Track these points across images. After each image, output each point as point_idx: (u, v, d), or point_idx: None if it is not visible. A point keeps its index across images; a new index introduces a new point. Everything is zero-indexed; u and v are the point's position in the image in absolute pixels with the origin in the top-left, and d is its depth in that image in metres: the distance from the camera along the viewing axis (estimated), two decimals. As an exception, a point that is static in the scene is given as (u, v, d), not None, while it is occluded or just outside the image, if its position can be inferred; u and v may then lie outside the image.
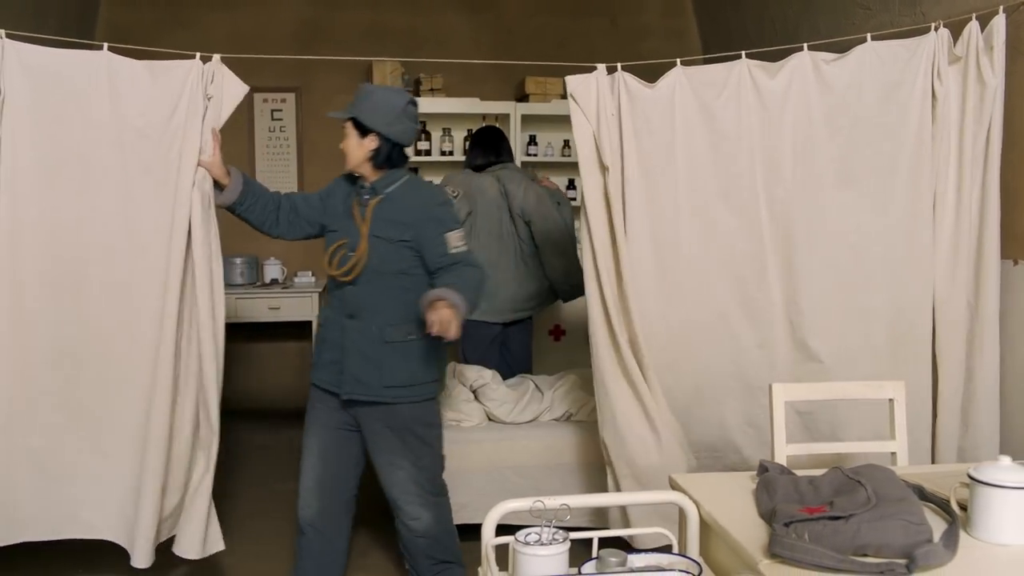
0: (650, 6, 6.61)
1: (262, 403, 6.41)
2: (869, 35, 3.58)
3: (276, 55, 6.04)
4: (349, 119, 3.14)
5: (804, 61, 3.49)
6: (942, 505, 1.99)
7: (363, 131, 3.12)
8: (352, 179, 3.29)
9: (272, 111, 6.29)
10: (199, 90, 3.17)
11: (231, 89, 3.28)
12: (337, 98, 6.16)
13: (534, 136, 6.23)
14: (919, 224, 3.52)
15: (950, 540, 1.78)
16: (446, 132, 6.16)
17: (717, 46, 6.30)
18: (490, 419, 4.13)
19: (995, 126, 3.45)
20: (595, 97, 3.39)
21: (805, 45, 3.52)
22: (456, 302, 2.85)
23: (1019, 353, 3.51)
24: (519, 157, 6.13)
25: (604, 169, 3.38)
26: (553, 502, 1.94)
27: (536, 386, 4.24)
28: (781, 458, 2.77)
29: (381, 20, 6.24)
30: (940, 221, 3.54)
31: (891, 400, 2.91)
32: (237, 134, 6.23)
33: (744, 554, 1.80)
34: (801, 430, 3.43)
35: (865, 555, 1.72)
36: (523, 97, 6.21)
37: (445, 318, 2.82)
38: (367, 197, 3.17)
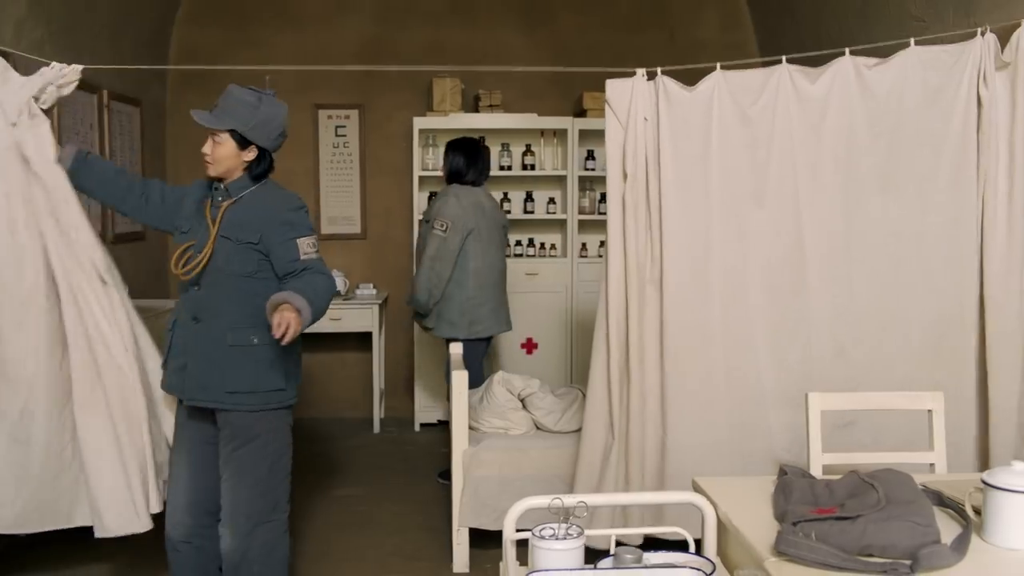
0: (708, 20, 6.64)
1: (324, 412, 6.57)
2: (912, 40, 3.56)
3: (341, 73, 6.28)
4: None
5: (845, 66, 3.49)
6: (959, 510, 2.01)
7: (243, 143, 3.05)
8: (210, 182, 3.18)
9: (336, 127, 6.47)
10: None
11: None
12: (398, 114, 6.36)
13: (592, 151, 6.30)
14: (961, 231, 3.49)
15: (960, 543, 1.79)
16: (504, 147, 6.28)
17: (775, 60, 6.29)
18: (537, 427, 4.20)
19: None
20: (628, 102, 3.45)
21: (847, 50, 3.53)
22: (300, 306, 2.77)
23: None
24: (576, 171, 6.23)
25: (624, 176, 3.45)
26: (571, 499, 2.00)
27: (583, 394, 4.30)
28: (817, 467, 2.79)
29: (441, 38, 6.39)
30: (991, 228, 3.49)
31: (930, 411, 2.90)
32: (303, 150, 6.44)
33: (753, 552, 1.84)
34: (844, 438, 3.42)
35: (871, 555, 1.75)
36: (580, 112, 6.29)
37: (286, 320, 2.71)
38: (220, 199, 3.09)
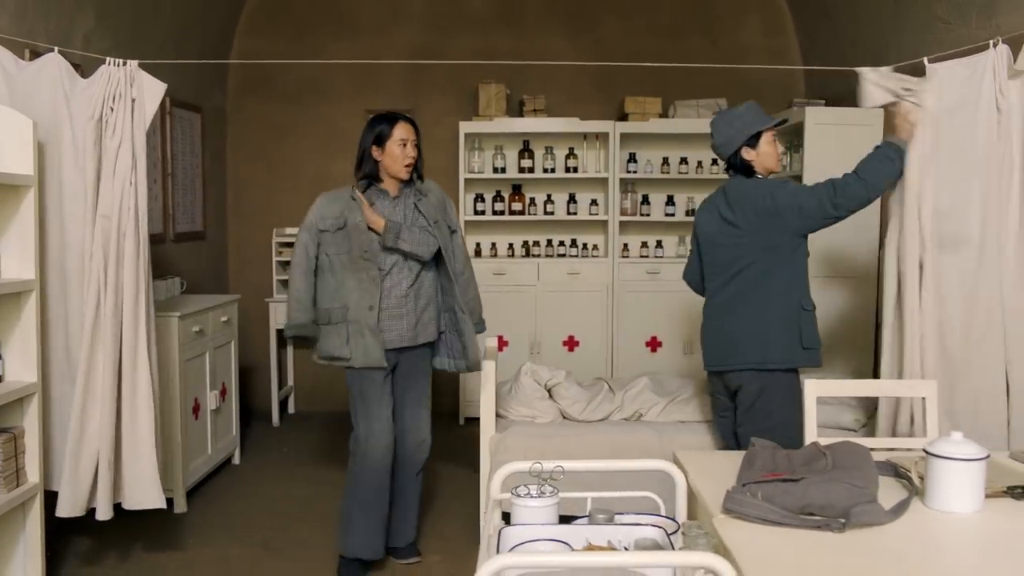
0: (751, 25, 6.75)
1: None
2: (925, 59, 3.63)
3: (392, 79, 6.55)
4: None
5: None
6: (908, 479, 2.14)
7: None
8: None
9: (387, 131, 6.73)
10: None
11: (151, 89, 3.69)
12: (446, 119, 6.61)
13: (634, 154, 6.47)
14: (986, 239, 3.55)
15: (900, 507, 1.93)
16: (548, 150, 6.48)
17: (815, 64, 6.39)
18: (564, 416, 4.38)
19: None
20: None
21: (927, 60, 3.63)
22: None
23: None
24: (619, 173, 6.39)
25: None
26: (550, 465, 2.19)
27: (609, 387, 4.47)
28: (810, 448, 2.92)
29: (488, 44, 6.61)
30: (1006, 233, 3.56)
31: (924, 399, 3.02)
32: (354, 153, 6.70)
33: (708, 512, 2.00)
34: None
35: (811, 514, 1.90)
36: (622, 116, 6.45)
37: None
38: None
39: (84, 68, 4.01)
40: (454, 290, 3.85)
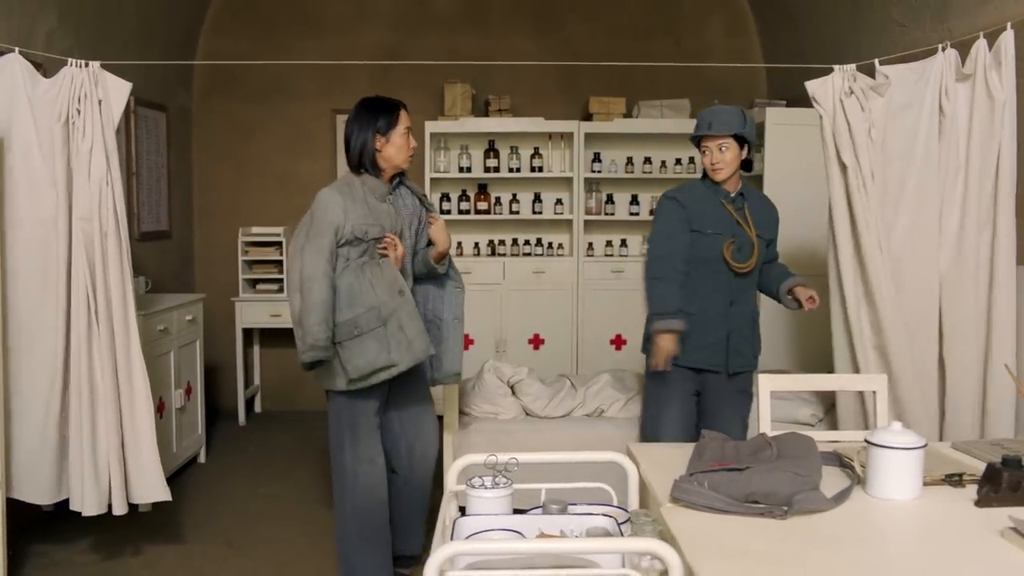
0: (713, 27, 6.84)
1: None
2: (876, 60, 3.75)
3: (358, 79, 6.57)
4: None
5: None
6: (852, 468, 2.21)
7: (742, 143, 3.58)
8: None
9: (353, 131, 6.75)
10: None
11: (116, 90, 3.70)
12: (412, 118, 6.58)
13: (598, 154, 6.52)
14: (923, 235, 3.68)
15: (842, 495, 2.00)
16: (513, 150, 6.52)
17: (776, 64, 6.48)
18: (527, 413, 4.43)
19: (1006, 138, 3.56)
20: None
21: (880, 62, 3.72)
22: None
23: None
24: (584, 173, 6.45)
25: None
26: (504, 457, 2.23)
27: (571, 383, 4.52)
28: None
29: (454, 45, 6.64)
30: (946, 233, 3.67)
31: (874, 392, 3.09)
32: (321, 152, 6.75)
33: (657, 501, 2.06)
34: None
35: (756, 502, 1.96)
36: (587, 116, 6.51)
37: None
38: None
39: (46, 68, 4.01)
40: (443, 293, 3.71)
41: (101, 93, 3.63)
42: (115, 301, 3.69)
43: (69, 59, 3.62)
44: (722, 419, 3.65)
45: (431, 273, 3.67)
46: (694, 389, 3.71)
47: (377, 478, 3.54)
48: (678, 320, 3.54)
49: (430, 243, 3.65)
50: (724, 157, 3.57)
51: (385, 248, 3.42)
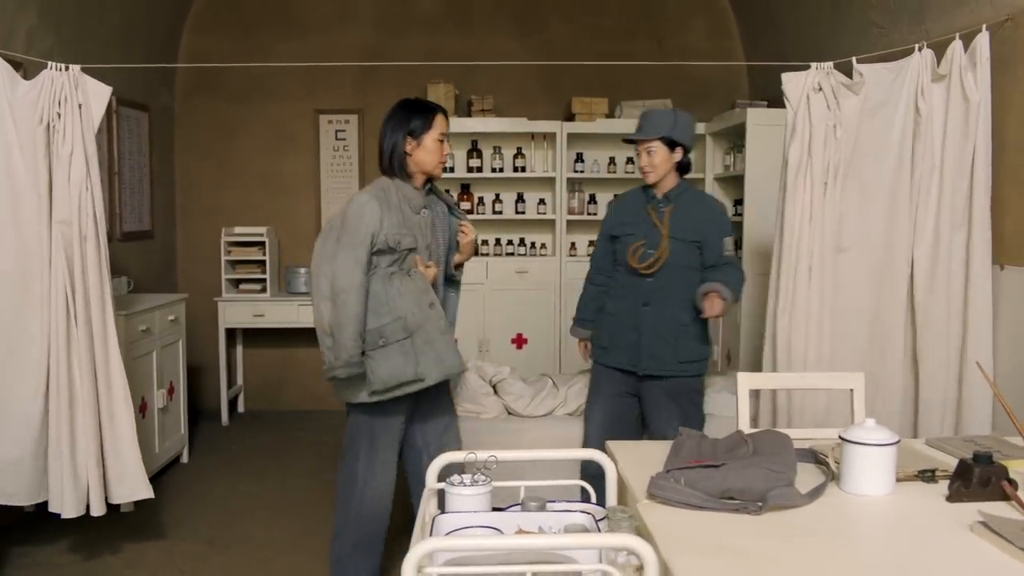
0: (696, 29, 6.87)
1: (322, 404, 6.85)
2: (854, 59, 3.79)
3: (341, 80, 6.57)
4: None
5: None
6: (826, 464, 2.24)
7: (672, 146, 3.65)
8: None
9: (336, 131, 6.78)
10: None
11: (96, 94, 3.70)
12: (395, 118, 6.62)
13: (581, 154, 6.55)
14: (897, 234, 3.72)
15: (815, 490, 2.03)
16: (496, 150, 6.54)
17: (758, 68, 6.53)
18: (508, 412, 4.44)
19: (981, 139, 3.60)
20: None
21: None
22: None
23: (1006, 353, 3.65)
24: (566, 173, 6.47)
25: None
26: (483, 455, 2.25)
27: (553, 382, 4.54)
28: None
29: (437, 45, 6.66)
30: (920, 232, 3.71)
31: (851, 390, 3.12)
32: (304, 153, 6.75)
33: (634, 498, 2.08)
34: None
35: (732, 498, 1.98)
36: (569, 116, 6.53)
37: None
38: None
39: (27, 69, 4.00)
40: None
41: (81, 97, 3.62)
42: (94, 304, 3.69)
43: (49, 62, 3.61)
44: (658, 420, 3.71)
45: (447, 278, 3.58)
46: (624, 390, 3.80)
47: (385, 490, 3.45)
48: (581, 328, 4.02)
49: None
50: (652, 160, 3.66)
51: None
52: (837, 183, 3.75)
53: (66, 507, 3.71)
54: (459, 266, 3.60)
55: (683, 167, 3.73)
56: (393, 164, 3.31)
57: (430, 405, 3.52)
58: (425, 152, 3.31)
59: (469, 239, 3.53)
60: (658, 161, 3.65)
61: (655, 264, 3.63)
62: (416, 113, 3.33)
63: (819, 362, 3.75)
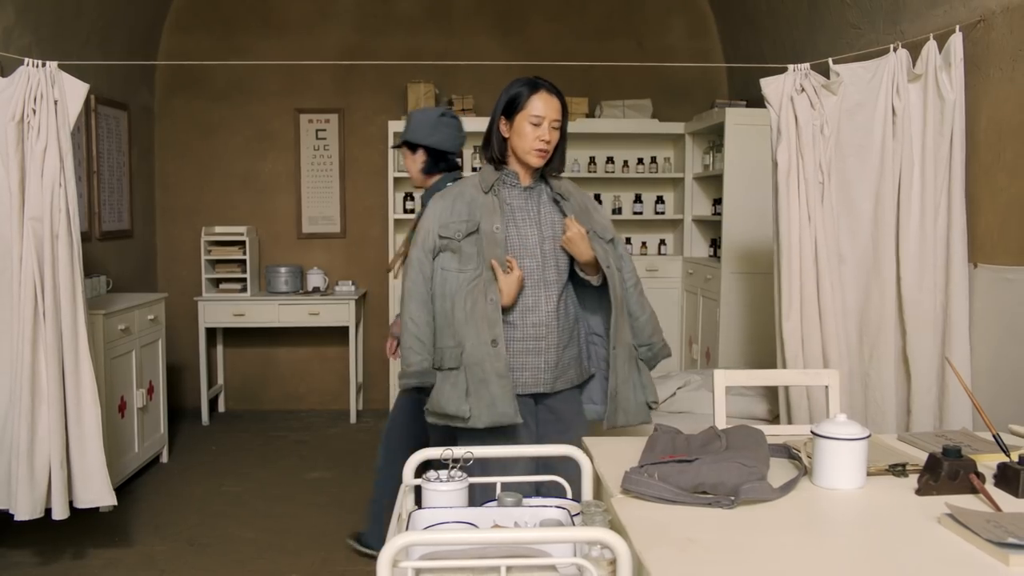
0: (675, 29, 6.91)
1: (305, 404, 6.87)
2: (830, 59, 3.83)
3: (322, 79, 6.57)
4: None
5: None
6: (799, 458, 2.26)
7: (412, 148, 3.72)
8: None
9: (317, 131, 6.78)
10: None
11: (73, 91, 3.68)
12: (375, 118, 6.65)
13: (561, 153, 6.56)
14: (882, 233, 3.76)
15: (788, 484, 2.05)
16: (476, 149, 6.55)
17: (737, 68, 6.57)
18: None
19: (957, 138, 3.65)
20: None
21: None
22: None
23: (982, 350, 3.69)
24: (546, 172, 6.48)
25: None
26: (460, 451, 2.27)
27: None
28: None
29: (417, 44, 6.67)
30: (905, 230, 3.75)
31: (826, 387, 3.15)
32: (284, 152, 6.74)
33: (609, 493, 2.10)
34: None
35: (704, 492, 2.00)
36: (550, 116, 6.54)
37: None
38: None
39: (3, 67, 3.98)
40: (621, 320, 3.01)
41: (57, 94, 3.60)
42: (64, 303, 3.62)
43: (26, 59, 3.60)
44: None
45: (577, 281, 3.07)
46: None
47: None
48: None
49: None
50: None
51: (503, 266, 2.86)
52: (831, 182, 3.78)
53: (20, 508, 3.60)
54: (591, 271, 3.01)
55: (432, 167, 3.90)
56: (492, 149, 2.96)
57: (550, 432, 3.04)
58: (517, 136, 2.90)
59: (568, 235, 2.92)
60: (408, 164, 3.93)
61: None
62: (517, 88, 2.95)
63: (838, 362, 3.77)
